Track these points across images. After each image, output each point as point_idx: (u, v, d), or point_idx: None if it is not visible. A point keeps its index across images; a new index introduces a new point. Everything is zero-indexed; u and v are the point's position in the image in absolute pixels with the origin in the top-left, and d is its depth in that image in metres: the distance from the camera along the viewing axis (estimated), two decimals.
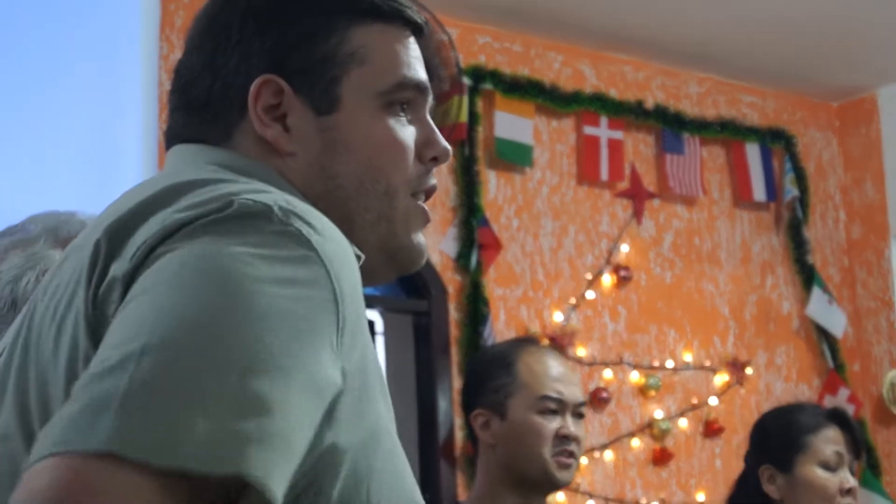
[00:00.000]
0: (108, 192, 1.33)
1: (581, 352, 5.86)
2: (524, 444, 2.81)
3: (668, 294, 6.31)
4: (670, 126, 6.43)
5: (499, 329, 5.60)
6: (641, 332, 6.14)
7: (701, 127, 6.54)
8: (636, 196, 6.26)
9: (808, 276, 6.74)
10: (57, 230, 2.09)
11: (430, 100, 1.45)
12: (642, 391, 6.04)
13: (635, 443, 5.97)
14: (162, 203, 1.16)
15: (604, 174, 6.14)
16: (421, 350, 5.55)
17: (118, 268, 1.12)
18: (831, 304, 6.70)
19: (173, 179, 1.21)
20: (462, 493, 5.27)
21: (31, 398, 1.17)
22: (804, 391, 6.60)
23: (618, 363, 6.00)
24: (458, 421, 5.37)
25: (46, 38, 3.81)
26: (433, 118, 1.46)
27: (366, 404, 1.14)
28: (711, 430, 6.21)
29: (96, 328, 1.11)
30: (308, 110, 1.36)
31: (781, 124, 6.93)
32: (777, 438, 3.27)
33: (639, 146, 6.37)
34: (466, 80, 5.74)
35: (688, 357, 6.25)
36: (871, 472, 6.18)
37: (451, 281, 5.61)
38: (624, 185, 6.25)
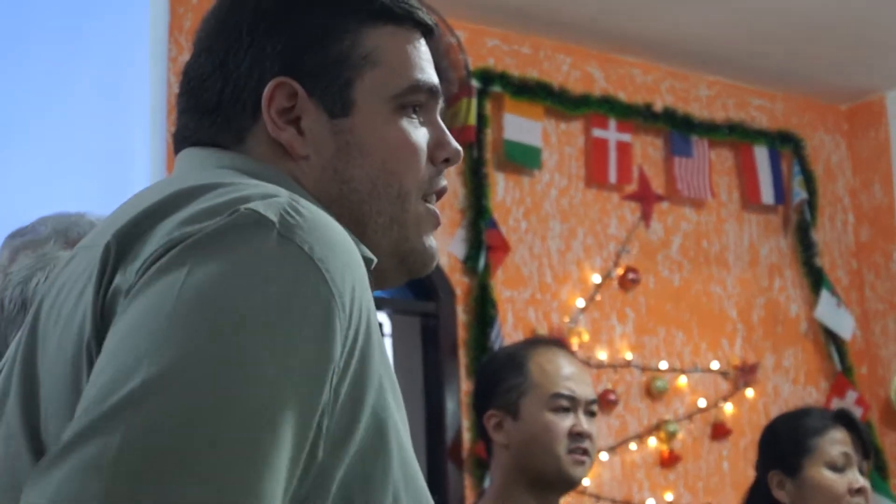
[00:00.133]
0: (118, 193, 1.34)
1: (588, 354, 5.85)
2: (538, 442, 2.82)
3: (676, 296, 6.30)
4: (679, 129, 6.42)
5: (507, 331, 5.60)
6: (649, 335, 6.14)
7: (709, 129, 6.53)
8: (644, 199, 6.26)
9: (816, 279, 6.73)
10: (67, 231, 2.09)
11: (441, 101, 1.46)
12: (650, 393, 6.04)
13: (643, 445, 5.96)
14: (169, 209, 1.16)
15: (612, 177, 6.14)
16: (428, 352, 5.55)
17: (123, 280, 1.12)
18: (839, 306, 6.70)
19: (181, 184, 1.21)
20: (470, 495, 5.27)
21: (37, 400, 1.17)
22: (812, 394, 6.60)
23: (625, 366, 6.00)
24: (466, 423, 5.37)
25: (56, 41, 3.82)
26: (443, 120, 1.47)
27: (375, 417, 1.14)
28: (719, 432, 6.20)
29: (103, 335, 1.11)
30: (322, 113, 1.36)
31: (790, 127, 6.93)
32: (784, 443, 3.27)
33: (647, 149, 6.37)
34: (475, 83, 5.75)
35: (696, 359, 6.25)
36: (878, 474, 6.16)
37: (459, 283, 5.61)
38: (632, 187, 6.24)
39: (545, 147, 5.98)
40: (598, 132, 6.15)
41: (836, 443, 3.21)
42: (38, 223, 2.15)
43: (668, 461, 6.01)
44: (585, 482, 5.64)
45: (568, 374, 2.89)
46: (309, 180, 1.35)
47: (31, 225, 2.16)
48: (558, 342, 3.40)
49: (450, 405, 5.42)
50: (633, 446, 5.94)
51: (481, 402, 2.97)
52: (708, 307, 6.41)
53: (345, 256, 1.14)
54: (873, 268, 7.01)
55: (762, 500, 3.28)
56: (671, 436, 6.03)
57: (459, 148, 1.46)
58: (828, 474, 3.18)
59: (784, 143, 6.82)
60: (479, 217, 5.65)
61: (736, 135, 6.63)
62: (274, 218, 1.11)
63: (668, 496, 5.98)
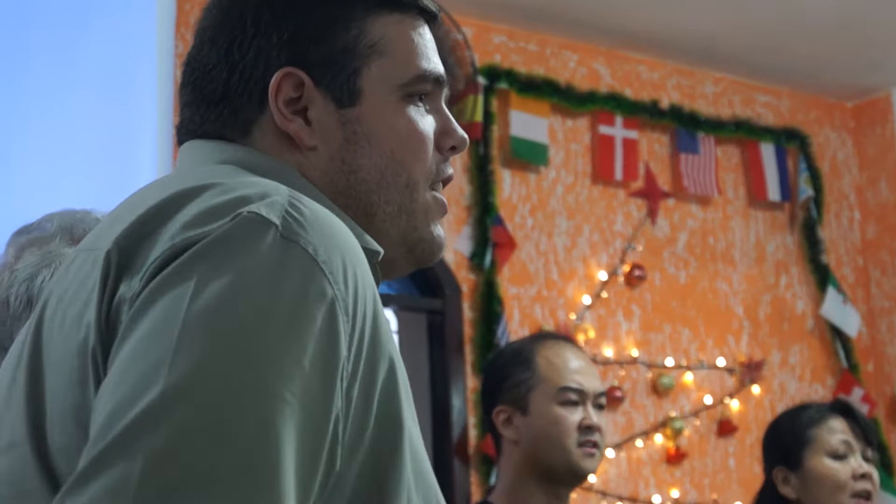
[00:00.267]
0: (124, 190, 1.32)
1: (595, 351, 5.85)
2: (548, 437, 2.82)
3: (683, 293, 6.30)
4: (685, 125, 6.43)
5: (513, 328, 5.60)
6: (655, 332, 6.14)
7: (716, 126, 6.53)
8: (651, 195, 6.26)
9: (822, 276, 6.73)
10: (72, 228, 2.09)
11: (446, 89, 1.45)
12: (656, 390, 6.04)
13: (649, 442, 5.97)
14: (169, 212, 1.15)
15: (618, 173, 6.14)
16: (435, 349, 5.55)
17: (127, 289, 1.11)
18: (845, 303, 6.70)
19: (180, 185, 1.20)
20: (476, 492, 5.28)
21: (42, 408, 1.16)
22: (818, 391, 6.59)
23: (632, 362, 6.00)
24: (472, 420, 5.37)
25: (62, 37, 3.82)
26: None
27: (387, 419, 1.14)
28: (725, 429, 6.20)
29: (108, 344, 1.10)
30: (329, 103, 1.35)
31: (796, 124, 6.92)
32: (784, 438, 3.26)
33: (653, 146, 6.37)
34: (481, 80, 5.75)
35: (702, 356, 6.25)
36: (884, 471, 6.15)
37: (466, 280, 5.61)
38: (638, 184, 6.24)
39: (551, 144, 5.98)
40: (604, 129, 6.15)
41: (835, 431, 3.19)
42: (44, 220, 2.15)
43: (675, 458, 6.01)
44: (592, 478, 5.65)
45: (576, 368, 2.89)
46: (316, 172, 1.34)
47: (36, 222, 2.15)
48: (565, 336, 3.41)
49: (456, 402, 5.43)
50: (639, 443, 5.94)
51: (490, 398, 2.97)
52: (714, 304, 6.41)
53: (347, 254, 1.13)
54: (879, 265, 7.01)
55: (770, 498, 3.27)
56: (677, 432, 6.03)
57: (465, 135, 1.45)
58: (829, 463, 3.16)
59: (790, 140, 6.82)
60: (485, 214, 5.66)
61: (742, 132, 6.63)
62: (276, 220, 1.10)
63: (675, 493, 5.98)
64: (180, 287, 1.06)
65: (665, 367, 6.09)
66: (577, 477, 2.86)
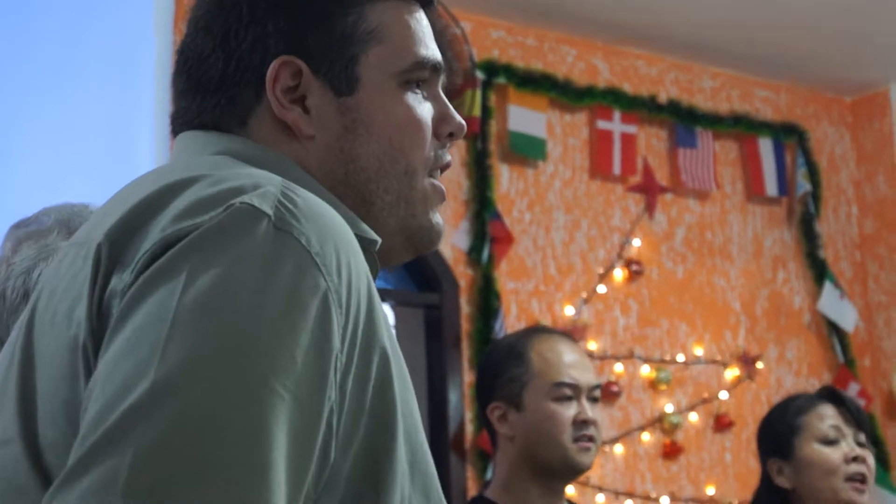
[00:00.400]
0: (122, 184, 1.32)
1: (592, 345, 5.86)
2: (543, 432, 2.82)
3: (680, 288, 6.31)
4: (683, 120, 6.43)
5: (510, 323, 5.60)
6: (653, 326, 6.15)
7: (714, 121, 6.54)
8: (648, 190, 6.26)
9: (819, 271, 6.74)
10: (70, 222, 2.10)
11: (443, 76, 1.44)
12: (653, 385, 6.04)
13: (646, 437, 5.97)
14: (160, 204, 1.14)
15: (616, 168, 6.14)
16: (432, 344, 5.56)
17: (118, 282, 1.11)
18: (843, 298, 6.70)
19: (171, 176, 1.19)
20: (472, 487, 5.28)
21: (34, 403, 1.16)
22: (815, 385, 6.58)
23: (629, 357, 6.01)
24: (469, 415, 5.38)
25: (61, 30, 3.82)
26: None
27: (381, 409, 1.14)
28: (722, 424, 6.21)
29: (99, 337, 1.10)
30: (327, 91, 1.34)
31: (794, 119, 6.93)
32: (775, 429, 3.25)
33: (651, 140, 6.37)
34: (480, 74, 5.75)
35: (699, 351, 6.25)
36: (881, 466, 6.16)
37: (463, 275, 5.62)
38: (636, 179, 6.25)
39: (549, 138, 5.98)
40: (602, 124, 6.15)
41: (825, 417, 3.17)
42: (42, 214, 2.15)
43: (671, 453, 6.02)
44: (588, 473, 5.65)
45: (569, 362, 2.88)
46: (313, 161, 1.33)
47: (34, 216, 2.16)
48: (558, 330, 3.40)
49: (453, 397, 5.43)
50: (635, 438, 5.94)
51: (484, 395, 2.96)
52: (711, 299, 6.41)
53: (341, 245, 1.13)
54: (877, 260, 7.01)
55: (767, 492, 3.26)
56: (674, 427, 6.03)
57: (463, 122, 1.43)
58: (820, 448, 3.14)
59: (788, 134, 6.83)
60: (482, 209, 5.66)
61: (740, 126, 6.63)
62: (269, 211, 1.10)
63: (671, 488, 5.98)
64: (171, 280, 1.06)
65: (662, 361, 6.10)
66: (573, 472, 2.85)
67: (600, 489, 5.74)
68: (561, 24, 6.07)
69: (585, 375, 2.88)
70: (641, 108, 6.28)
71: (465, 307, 5.58)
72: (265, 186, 1.13)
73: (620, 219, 6.17)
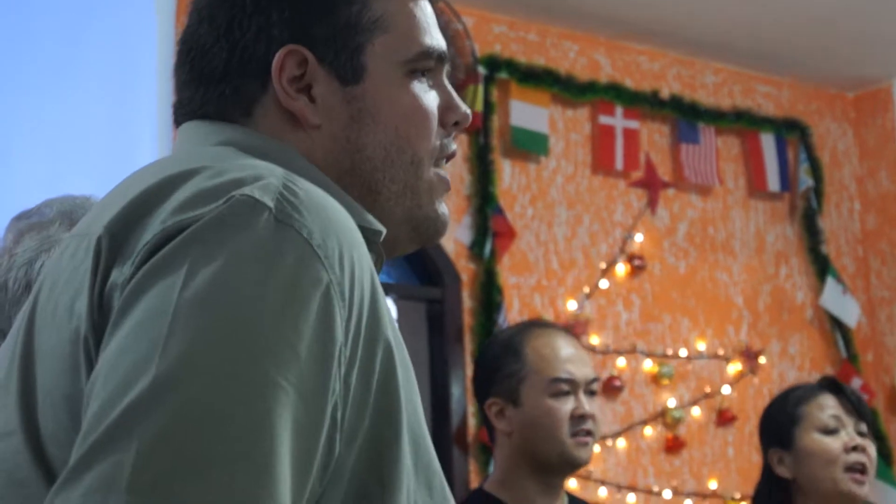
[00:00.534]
0: (125, 175, 1.32)
1: (594, 340, 5.87)
2: (541, 428, 2.81)
3: (682, 283, 6.31)
4: (685, 116, 6.43)
5: (512, 317, 5.60)
6: (655, 321, 6.15)
7: (716, 117, 6.54)
8: (651, 185, 6.26)
9: (822, 266, 6.74)
10: (72, 214, 2.10)
11: (447, 65, 1.43)
12: (655, 380, 6.04)
13: (648, 431, 5.97)
14: (160, 196, 1.13)
15: (619, 163, 6.14)
16: (434, 338, 5.56)
17: (119, 275, 1.10)
18: (845, 294, 6.70)
19: (172, 168, 1.18)
20: (475, 481, 5.28)
21: (36, 397, 1.15)
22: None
23: (631, 352, 6.01)
24: (471, 408, 5.38)
25: (61, 29, 3.82)
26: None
27: (385, 402, 1.13)
28: (724, 418, 6.21)
29: (101, 333, 1.09)
30: (333, 80, 1.32)
31: (796, 115, 6.93)
32: (775, 419, 3.26)
33: (654, 136, 6.37)
34: (482, 69, 5.75)
35: (701, 346, 6.26)
36: (883, 461, 6.16)
37: (465, 269, 5.62)
38: (639, 174, 6.24)
39: (551, 134, 5.99)
40: (604, 119, 6.15)
41: (825, 407, 3.17)
42: (44, 205, 2.15)
43: (674, 447, 6.02)
44: (591, 468, 5.66)
45: (566, 357, 2.87)
46: (319, 151, 1.32)
47: (35, 207, 2.16)
48: (554, 324, 3.39)
49: (455, 391, 5.44)
50: (638, 432, 5.95)
51: (481, 390, 2.96)
52: (714, 294, 6.42)
53: (343, 237, 1.12)
54: (879, 255, 7.01)
55: (768, 482, 3.26)
56: (676, 422, 6.04)
57: (468, 110, 1.42)
58: (820, 438, 3.13)
59: (791, 130, 6.82)
60: (485, 203, 5.66)
61: (743, 122, 6.63)
62: (270, 203, 1.09)
63: (673, 482, 5.99)
64: (172, 273, 1.05)
65: (664, 356, 6.10)
66: (571, 467, 2.85)
67: (603, 483, 5.74)
68: (563, 20, 6.07)
69: (582, 370, 2.88)
70: (644, 103, 6.28)
71: (468, 301, 5.58)
72: (267, 178, 1.12)
73: (623, 214, 6.17)
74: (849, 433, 3.14)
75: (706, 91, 6.61)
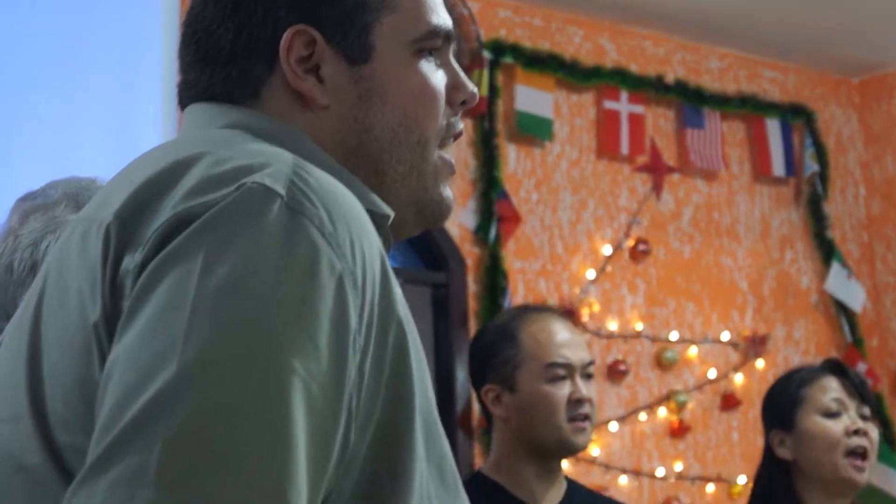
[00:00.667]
0: (129, 159, 1.32)
1: (599, 325, 5.87)
2: (537, 414, 2.80)
3: (687, 268, 6.31)
4: (691, 101, 6.43)
5: (517, 302, 5.59)
6: (660, 306, 6.15)
7: (721, 102, 6.53)
8: (656, 170, 6.26)
9: (827, 251, 6.74)
10: (77, 196, 2.10)
11: (454, 44, 1.42)
12: (660, 364, 6.05)
13: (652, 415, 5.98)
14: (170, 182, 1.13)
15: (624, 148, 6.14)
16: (439, 322, 5.56)
17: (130, 261, 1.09)
18: (850, 278, 6.70)
19: (181, 152, 1.17)
20: (479, 463, 5.29)
21: (44, 383, 1.15)
22: None
23: (636, 336, 6.02)
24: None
25: (64, 24, 3.82)
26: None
27: (399, 391, 1.13)
28: (729, 403, 6.22)
29: (114, 322, 1.09)
30: (341, 60, 1.31)
31: (802, 100, 6.92)
32: (777, 401, 3.25)
33: (659, 121, 6.37)
34: (487, 54, 5.75)
35: (706, 331, 6.26)
36: (887, 445, 6.16)
37: (470, 253, 5.62)
38: (644, 159, 6.24)
39: (556, 118, 5.98)
40: (609, 104, 6.15)
41: (828, 390, 3.16)
42: (49, 187, 2.16)
43: (678, 431, 6.03)
44: (595, 452, 5.67)
45: (561, 341, 2.85)
46: (326, 132, 1.31)
47: (41, 188, 2.16)
48: (549, 308, 3.38)
49: (460, 375, 5.44)
50: (642, 416, 5.96)
51: (477, 377, 2.94)
52: (719, 279, 6.42)
53: (353, 225, 1.11)
54: (884, 240, 7.01)
55: (769, 464, 3.25)
56: (681, 406, 6.05)
57: (475, 89, 1.42)
58: (822, 421, 3.12)
59: (796, 115, 6.82)
60: (490, 188, 5.66)
61: (748, 107, 6.63)
62: (282, 191, 1.08)
63: (678, 466, 6.00)
64: (187, 263, 1.05)
65: (669, 341, 6.11)
66: (568, 452, 2.85)
67: (607, 467, 5.75)
68: (568, 4, 6.06)
69: (578, 353, 2.86)
70: (649, 88, 6.28)
71: (472, 286, 5.59)
72: (275, 165, 1.12)
73: (627, 199, 6.18)
74: (851, 417, 3.13)
75: (711, 76, 6.60)
